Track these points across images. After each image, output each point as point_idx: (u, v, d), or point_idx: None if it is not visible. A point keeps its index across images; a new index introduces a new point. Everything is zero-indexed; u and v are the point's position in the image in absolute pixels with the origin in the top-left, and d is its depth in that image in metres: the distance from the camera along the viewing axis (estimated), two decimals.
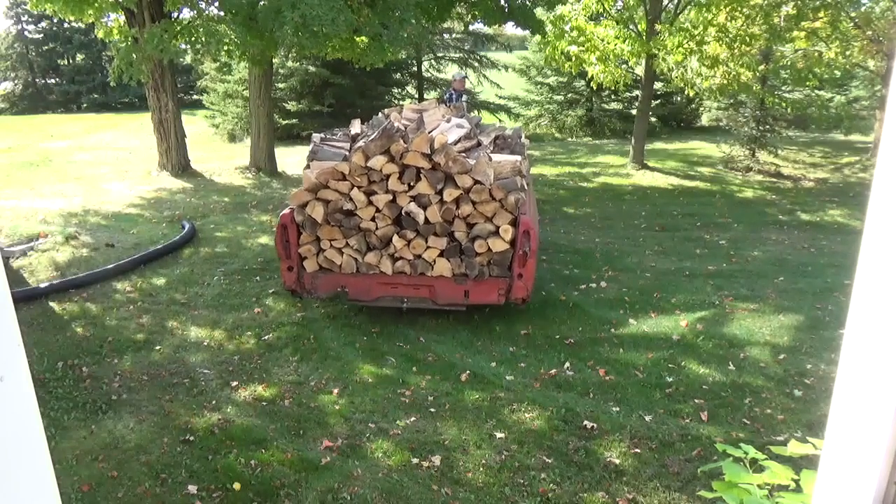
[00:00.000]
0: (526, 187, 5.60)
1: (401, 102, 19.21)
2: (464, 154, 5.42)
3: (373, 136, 5.34)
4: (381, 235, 5.36)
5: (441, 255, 5.31)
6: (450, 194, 5.15)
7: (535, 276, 5.41)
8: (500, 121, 19.13)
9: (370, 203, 5.28)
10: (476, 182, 5.14)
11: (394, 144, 5.14)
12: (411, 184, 5.21)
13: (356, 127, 6.50)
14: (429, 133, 5.42)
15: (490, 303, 5.43)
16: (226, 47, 10.26)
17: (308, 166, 5.66)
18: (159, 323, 5.80)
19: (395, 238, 5.29)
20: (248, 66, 11.82)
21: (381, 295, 5.47)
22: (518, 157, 5.78)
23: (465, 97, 11.96)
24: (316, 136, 6.27)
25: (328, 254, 5.44)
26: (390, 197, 5.25)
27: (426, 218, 5.23)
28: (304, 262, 5.50)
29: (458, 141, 5.59)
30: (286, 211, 5.44)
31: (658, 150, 15.72)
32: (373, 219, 5.33)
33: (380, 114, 6.82)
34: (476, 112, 11.25)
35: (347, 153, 5.57)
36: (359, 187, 5.24)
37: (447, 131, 5.71)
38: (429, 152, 5.13)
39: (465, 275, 5.33)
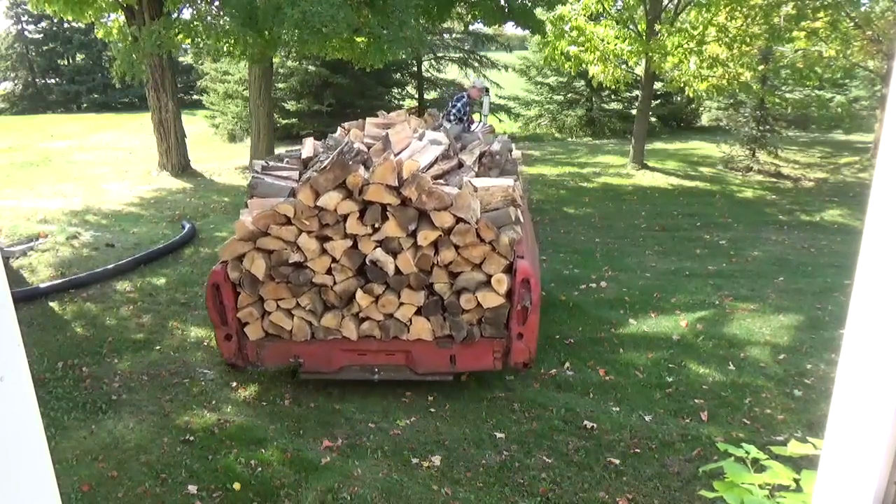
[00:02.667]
0: (521, 218, 4.52)
1: (401, 103, 19.19)
2: (442, 181, 4.39)
3: (323, 164, 4.24)
4: (340, 291, 4.27)
5: (418, 312, 4.29)
6: (425, 237, 4.07)
7: (538, 333, 4.34)
8: (500, 120, 19.16)
9: (324, 251, 4.19)
10: (459, 220, 4.06)
11: (350, 176, 4.04)
12: (376, 225, 4.12)
13: (308, 148, 5.19)
14: (396, 156, 4.30)
15: (483, 369, 4.46)
16: (226, 46, 10.27)
17: (246, 204, 4.51)
18: (159, 323, 5.79)
19: (359, 294, 4.23)
20: (248, 66, 11.84)
21: (346, 364, 4.44)
22: (510, 181, 4.62)
23: (486, 104, 10.77)
24: (257, 163, 5.04)
25: (274, 317, 4.34)
26: (350, 243, 4.17)
27: (397, 268, 4.16)
28: (246, 329, 4.41)
29: (434, 163, 4.51)
30: (217, 267, 4.32)
31: (658, 150, 15.72)
32: (329, 271, 4.24)
33: (339, 129, 5.68)
34: (479, 118, 9.85)
35: (296, 185, 4.43)
36: (308, 232, 4.14)
37: (419, 152, 4.57)
38: (396, 184, 4.03)
39: (451, 336, 4.31)
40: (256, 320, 4.39)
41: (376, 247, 4.18)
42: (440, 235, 4.10)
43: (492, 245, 4.12)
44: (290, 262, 4.19)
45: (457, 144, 5.26)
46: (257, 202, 4.32)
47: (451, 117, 8.18)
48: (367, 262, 4.20)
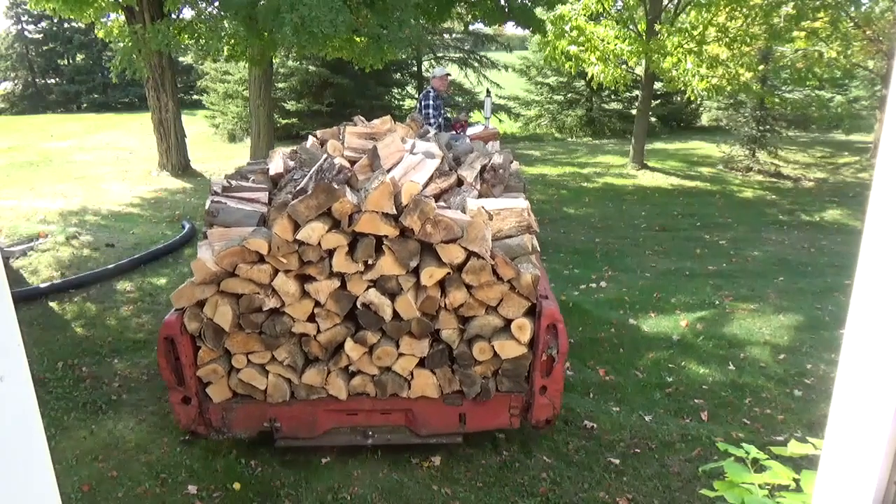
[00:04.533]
0: (538, 248, 3.81)
1: (401, 103, 19.19)
2: (442, 203, 3.65)
3: (300, 184, 3.56)
4: (325, 342, 3.54)
5: (421, 364, 3.61)
6: (430, 275, 3.38)
7: (563, 386, 3.73)
8: (500, 121, 19.14)
9: (306, 294, 3.44)
10: (471, 254, 3.37)
11: (337, 202, 3.31)
12: (369, 261, 3.39)
13: (276, 163, 4.38)
14: (388, 175, 3.49)
15: (498, 427, 3.85)
16: (226, 48, 10.28)
17: (204, 235, 3.72)
18: (159, 323, 5.76)
19: (349, 344, 3.52)
20: (248, 66, 11.85)
21: (333, 427, 3.77)
22: (523, 202, 3.83)
23: (488, 106, 9.78)
24: (216, 182, 4.11)
25: (245, 374, 3.58)
26: (337, 283, 3.43)
27: (395, 312, 3.45)
28: (209, 389, 3.63)
29: (430, 181, 3.75)
30: (171, 316, 3.50)
31: (658, 150, 15.73)
32: (311, 318, 3.49)
33: (310, 138, 4.88)
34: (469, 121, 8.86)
35: (266, 211, 3.72)
36: (286, 272, 3.39)
37: (414, 169, 3.76)
38: (394, 212, 3.31)
39: (461, 392, 3.66)
40: (221, 378, 3.62)
41: (369, 287, 3.45)
42: (448, 273, 3.41)
43: (511, 284, 3.43)
44: (265, 309, 3.43)
45: (449, 156, 4.46)
46: (219, 233, 3.55)
47: (432, 120, 7.61)
48: (359, 306, 3.47)
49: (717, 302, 6.24)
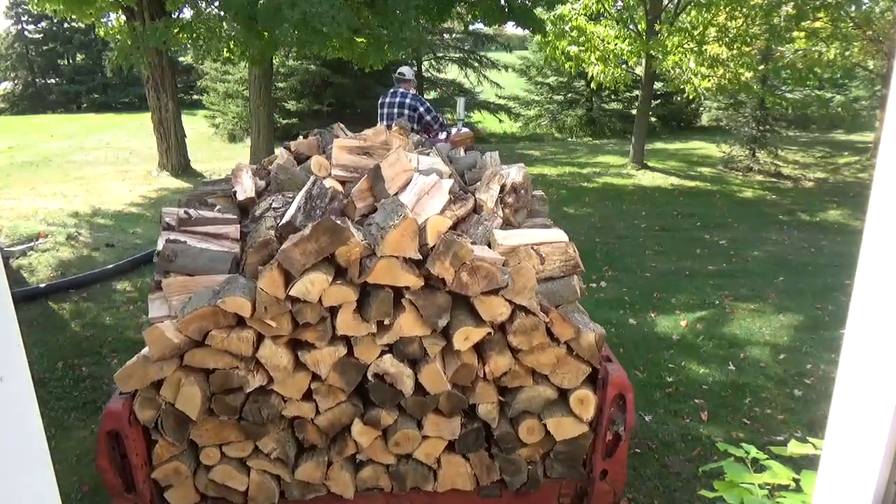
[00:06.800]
0: (585, 291, 2.98)
1: None
2: (466, 237, 2.62)
3: (285, 216, 2.73)
4: (326, 426, 2.68)
5: (451, 448, 2.78)
6: (465, 337, 2.55)
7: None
8: (500, 121, 19.16)
9: (300, 365, 2.57)
10: (517, 308, 2.57)
11: (344, 245, 2.44)
12: (385, 321, 2.54)
13: (246, 186, 3.37)
14: (400, 201, 2.65)
15: None
16: (226, 47, 10.30)
17: (158, 286, 2.72)
18: None
19: (357, 427, 2.67)
20: (248, 66, 11.86)
21: None
22: (562, 233, 2.93)
23: (461, 107, 8.91)
24: (168, 213, 3.08)
25: (219, 473, 2.67)
26: (342, 350, 2.57)
27: (418, 384, 2.63)
28: (167, 494, 2.70)
29: (444, 208, 2.80)
30: (116, 403, 2.51)
31: (658, 150, 15.74)
32: (308, 395, 2.63)
33: (282, 151, 3.81)
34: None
35: (236, 248, 2.82)
36: (275, 338, 2.50)
37: (428, 194, 2.86)
38: (419, 256, 2.48)
39: (502, 482, 2.84)
40: (186, 479, 2.68)
41: (384, 353, 2.62)
42: (489, 335, 2.59)
43: (568, 346, 2.68)
44: (247, 390, 2.53)
45: (453, 170, 3.54)
46: (179, 283, 2.64)
47: (433, 121, 7.04)
48: (370, 378, 2.63)
49: (717, 302, 6.24)
